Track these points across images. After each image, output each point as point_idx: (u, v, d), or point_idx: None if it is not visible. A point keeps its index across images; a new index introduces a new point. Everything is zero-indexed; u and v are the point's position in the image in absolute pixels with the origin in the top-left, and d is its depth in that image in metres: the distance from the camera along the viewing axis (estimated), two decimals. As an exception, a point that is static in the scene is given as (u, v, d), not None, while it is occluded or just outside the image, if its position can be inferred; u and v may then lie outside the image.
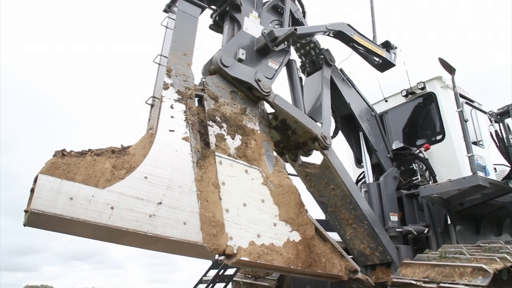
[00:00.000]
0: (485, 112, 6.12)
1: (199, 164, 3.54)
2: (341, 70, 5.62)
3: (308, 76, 5.47)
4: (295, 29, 4.23)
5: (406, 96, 6.24)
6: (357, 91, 5.69)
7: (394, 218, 5.15)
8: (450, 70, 4.59)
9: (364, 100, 5.75)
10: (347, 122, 5.74)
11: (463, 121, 4.41)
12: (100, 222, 2.81)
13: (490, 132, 5.43)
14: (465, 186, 4.38)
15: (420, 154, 5.70)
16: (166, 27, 4.01)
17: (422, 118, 6.27)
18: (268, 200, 3.94)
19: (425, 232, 5.07)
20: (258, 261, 3.59)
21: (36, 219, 2.64)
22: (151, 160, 3.19)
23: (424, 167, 5.64)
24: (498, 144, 5.33)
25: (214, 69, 4.01)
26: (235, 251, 3.48)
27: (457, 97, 4.55)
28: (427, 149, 5.73)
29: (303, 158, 4.98)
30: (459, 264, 3.39)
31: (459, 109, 4.44)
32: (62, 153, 2.89)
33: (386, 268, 4.92)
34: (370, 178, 5.43)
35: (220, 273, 5.17)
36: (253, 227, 3.72)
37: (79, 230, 2.83)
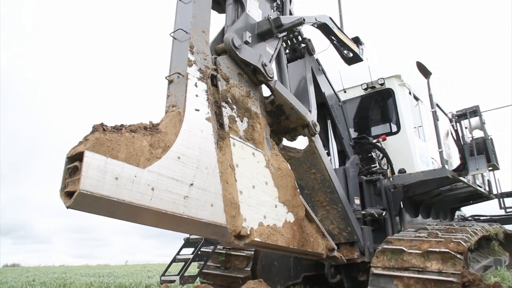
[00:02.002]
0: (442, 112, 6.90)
1: (219, 145, 3.53)
2: (317, 60, 5.89)
3: (288, 63, 5.63)
4: (304, 19, 4.35)
5: (365, 89, 6.77)
6: (328, 81, 6.03)
7: (357, 201, 5.65)
8: (426, 74, 5.14)
9: (334, 90, 6.12)
10: (318, 110, 6.05)
11: (436, 120, 5.01)
12: (143, 204, 2.70)
13: (450, 131, 6.21)
14: (435, 177, 5.03)
15: (378, 144, 6.29)
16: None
17: (378, 111, 6.87)
18: (270, 183, 4.08)
19: (383, 214, 5.67)
20: (267, 242, 3.73)
21: (82, 201, 2.42)
22: (182, 140, 3.11)
23: (381, 156, 6.26)
24: (455, 141, 6.14)
25: (223, 49, 3.96)
26: (248, 232, 3.57)
27: (432, 99, 5.13)
28: (384, 139, 6.34)
29: (285, 143, 5.19)
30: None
31: (433, 109, 5.03)
32: (102, 128, 2.68)
33: (350, 247, 5.41)
34: (336, 163, 5.86)
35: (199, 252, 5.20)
36: (261, 208, 3.84)
37: (122, 212, 2.68)
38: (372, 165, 6.12)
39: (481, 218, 9.82)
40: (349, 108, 7.12)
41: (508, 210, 10.17)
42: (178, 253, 5.27)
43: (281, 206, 4.16)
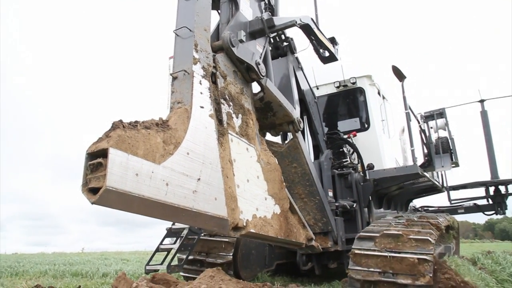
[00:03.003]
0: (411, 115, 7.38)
1: (219, 141, 3.67)
2: (296, 58, 6.12)
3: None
4: (296, 21, 4.55)
5: (338, 87, 7.12)
6: (306, 78, 6.30)
7: (330, 193, 6.02)
8: (400, 77, 5.53)
9: (310, 87, 6.40)
10: (297, 106, 6.31)
11: (408, 120, 5.44)
12: (159, 199, 2.81)
13: (419, 130, 6.71)
14: (407, 173, 5.47)
15: (349, 140, 6.68)
16: None
17: (349, 108, 7.26)
18: (261, 177, 4.29)
19: (354, 206, 6.07)
20: (260, 233, 3.95)
21: (107, 197, 2.48)
22: (190, 136, 3.23)
23: (351, 151, 6.65)
24: (422, 139, 6.65)
25: (220, 46, 4.08)
26: (244, 224, 3.77)
27: (405, 101, 5.54)
28: (354, 135, 6.74)
29: (267, 138, 5.39)
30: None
31: (407, 111, 5.45)
32: (122, 125, 2.76)
33: (323, 236, 5.76)
34: (312, 158, 6.17)
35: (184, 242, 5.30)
36: (254, 201, 4.04)
37: (141, 207, 2.77)
38: (343, 160, 6.50)
39: (430, 209, 10.68)
40: (320, 104, 7.45)
41: (452, 202, 11.14)
42: (161, 243, 5.35)
43: (270, 198, 4.39)
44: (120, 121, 2.77)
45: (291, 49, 5.75)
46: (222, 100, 3.87)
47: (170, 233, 5.48)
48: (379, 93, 7.03)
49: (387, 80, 6.74)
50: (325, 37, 6.28)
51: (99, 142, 2.63)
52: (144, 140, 2.83)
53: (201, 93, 3.51)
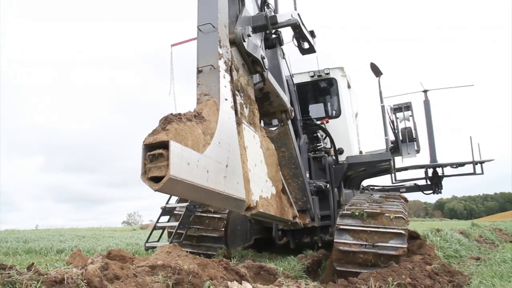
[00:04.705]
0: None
1: (237, 130, 4.05)
2: (281, 48, 6.52)
3: None
4: (297, 21, 4.95)
5: (312, 76, 7.65)
6: (288, 67, 6.74)
7: (307, 175, 6.62)
8: (377, 73, 6.16)
9: (291, 75, 6.86)
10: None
11: (384, 112, 6.11)
12: (203, 185, 3.15)
13: (390, 121, 7.44)
14: (381, 159, 6.18)
15: (322, 125, 7.28)
16: None
17: (322, 97, 7.84)
18: (263, 161, 4.73)
19: (327, 186, 6.73)
20: (266, 212, 4.44)
21: (169, 185, 2.75)
22: (220, 127, 3.58)
23: (324, 136, 7.27)
24: (392, 128, 7.39)
25: (232, 40, 4.38)
26: (255, 204, 4.22)
27: (381, 96, 6.20)
28: (327, 122, 7.35)
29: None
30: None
31: (382, 104, 6.11)
32: (176, 118, 3.05)
33: (302, 214, 6.37)
34: (292, 142, 6.68)
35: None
36: (259, 183, 4.49)
37: (191, 193, 3.11)
38: (317, 144, 7.11)
39: (375, 188, 11.79)
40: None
41: (395, 182, 12.37)
42: (157, 221, 5.62)
43: (269, 181, 4.86)
44: (173, 114, 3.07)
45: (280, 41, 6.13)
46: (236, 92, 4.22)
47: (165, 211, 5.76)
48: (349, 84, 7.68)
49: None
50: (306, 29, 6.73)
51: (156, 134, 2.90)
52: (190, 132, 3.16)
53: (225, 86, 3.85)
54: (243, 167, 3.96)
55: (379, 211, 5.02)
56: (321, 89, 7.83)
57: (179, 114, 3.24)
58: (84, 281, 2.92)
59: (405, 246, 4.71)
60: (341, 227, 4.96)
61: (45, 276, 2.78)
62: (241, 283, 3.76)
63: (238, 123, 4.12)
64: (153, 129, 2.97)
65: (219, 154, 3.47)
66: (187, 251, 5.26)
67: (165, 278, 3.73)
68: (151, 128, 3.02)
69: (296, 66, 7.90)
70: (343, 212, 5.24)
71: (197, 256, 5.18)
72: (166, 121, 2.98)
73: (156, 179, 2.78)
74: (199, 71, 3.88)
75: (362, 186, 11.57)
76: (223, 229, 6.06)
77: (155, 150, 2.82)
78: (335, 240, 5.05)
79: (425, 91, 11.79)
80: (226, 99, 3.80)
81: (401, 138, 7.60)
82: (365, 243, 4.74)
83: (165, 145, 2.79)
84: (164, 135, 2.85)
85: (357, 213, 5.01)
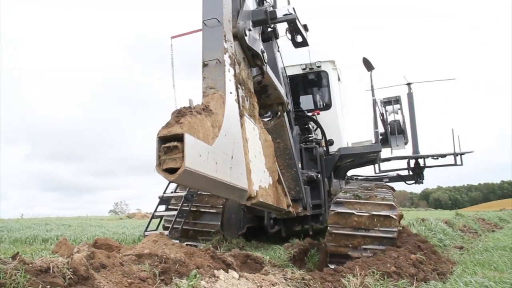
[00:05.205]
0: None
1: (240, 122, 4.19)
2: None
3: None
4: (295, 17, 5.08)
5: (304, 69, 7.81)
6: (282, 60, 6.87)
7: (299, 165, 6.81)
8: (369, 67, 6.35)
9: (284, 68, 7.00)
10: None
11: (375, 106, 6.32)
12: (212, 175, 3.28)
13: (380, 113, 7.67)
14: (372, 150, 6.41)
15: (314, 117, 7.47)
16: None
17: (313, 89, 8.02)
18: (261, 152, 4.89)
19: (318, 177, 6.95)
20: (265, 201, 4.61)
21: (184, 176, 2.86)
22: (226, 119, 3.71)
23: (315, 127, 7.46)
24: (382, 120, 7.63)
25: (234, 35, 4.49)
26: (255, 194, 4.38)
27: (373, 90, 6.40)
28: (318, 114, 7.54)
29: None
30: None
31: (373, 98, 6.32)
32: (189, 111, 3.17)
33: (295, 203, 6.58)
34: (284, 133, 6.85)
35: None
36: (259, 174, 4.65)
37: (202, 183, 3.25)
38: (309, 135, 7.30)
39: (359, 177, 12.14)
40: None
41: (378, 172, 12.74)
42: (155, 210, 5.73)
43: (267, 171, 5.03)
44: (186, 108, 3.18)
45: (276, 34, 6.25)
46: (238, 85, 4.35)
47: (162, 201, 5.87)
48: (339, 77, 7.88)
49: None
50: (301, 24, 6.87)
51: (170, 127, 3.01)
52: (201, 124, 3.29)
53: (230, 80, 3.97)
54: (245, 158, 4.12)
55: (372, 194, 5.28)
56: (312, 81, 8.01)
57: (189, 107, 3.35)
58: (70, 270, 2.88)
59: (396, 213, 4.99)
60: (338, 200, 5.21)
61: (30, 265, 2.75)
62: (227, 272, 3.89)
63: (241, 116, 4.26)
64: (167, 122, 3.07)
65: (226, 146, 3.61)
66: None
67: (152, 267, 3.80)
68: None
69: (286, 58, 8.06)
70: (339, 196, 5.50)
71: (183, 244, 5.23)
72: (180, 114, 3.09)
73: (170, 170, 2.90)
74: (204, 65, 3.98)
75: (347, 176, 11.89)
76: (219, 222, 6.22)
77: (170, 143, 2.93)
78: (331, 209, 5.31)
79: (408, 84, 12.15)
80: (231, 93, 3.93)
81: (389, 130, 7.88)
82: (360, 210, 5.03)
83: (179, 138, 2.90)
84: (178, 128, 2.96)
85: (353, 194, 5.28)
